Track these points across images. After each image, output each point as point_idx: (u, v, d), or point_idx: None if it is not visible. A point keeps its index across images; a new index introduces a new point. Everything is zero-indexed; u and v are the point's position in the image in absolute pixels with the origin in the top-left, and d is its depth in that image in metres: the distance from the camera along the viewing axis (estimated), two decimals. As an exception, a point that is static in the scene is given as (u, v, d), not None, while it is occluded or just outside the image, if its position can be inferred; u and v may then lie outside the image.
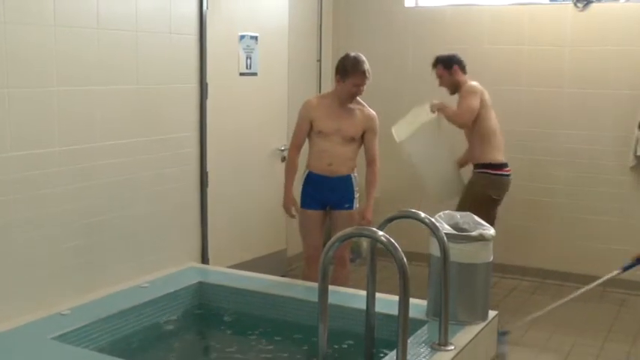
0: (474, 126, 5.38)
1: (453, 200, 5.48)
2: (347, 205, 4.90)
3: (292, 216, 4.98)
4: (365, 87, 4.79)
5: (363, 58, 4.76)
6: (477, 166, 5.47)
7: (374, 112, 4.91)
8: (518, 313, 5.43)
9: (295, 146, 4.97)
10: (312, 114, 4.86)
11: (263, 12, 5.83)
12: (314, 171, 4.91)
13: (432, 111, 5.40)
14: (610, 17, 5.88)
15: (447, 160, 5.56)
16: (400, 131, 5.45)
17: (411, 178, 6.04)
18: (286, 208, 4.95)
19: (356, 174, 4.95)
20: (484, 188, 5.39)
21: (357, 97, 4.86)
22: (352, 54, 4.80)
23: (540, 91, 6.18)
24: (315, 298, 3.10)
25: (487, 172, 5.40)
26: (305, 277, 4.96)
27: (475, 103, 5.31)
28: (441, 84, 5.51)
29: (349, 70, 4.72)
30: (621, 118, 5.87)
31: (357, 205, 4.94)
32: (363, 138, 4.90)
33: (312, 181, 4.92)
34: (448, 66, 5.46)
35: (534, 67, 6.18)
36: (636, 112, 5.76)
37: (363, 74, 4.72)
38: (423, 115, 5.45)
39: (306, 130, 4.91)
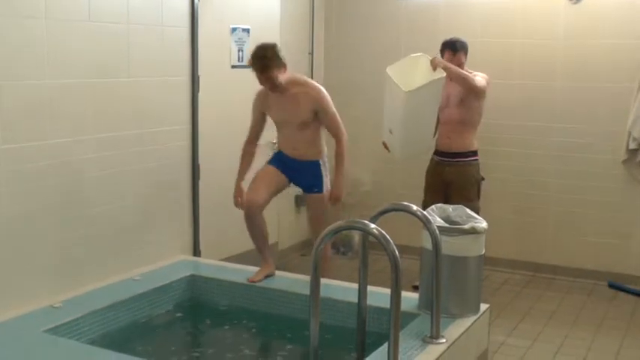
0: (472, 114, 5.50)
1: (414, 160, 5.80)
2: (316, 190, 4.82)
3: (238, 206, 4.83)
4: (275, 77, 4.50)
5: (258, 51, 4.53)
6: (465, 154, 5.56)
7: (318, 88, 4.70)
8: (509, 306, 5.45)
9: (248, 138, 4.90)
10: (263, 104, 4.78)
11: (255, 4, 5.80)
12: (283, 151, 4.87)
13: (434, 67, 5.25)
14: (603, 10, 5.87)
15: (432, 121, 5.47)
16: (393, 72, 5.25)
17: (403, 171, 6.05)
18: (234, 197, 4.83)
19: (325, 159, 4.86)
20: (478, 173, 5.61)
21: (301, 77, 4.79)
22: (258, 46, 4.60)
23: (533, 85, 6.17)
24: (306, 291, 3.10)
25: (476, 159, 5.60)
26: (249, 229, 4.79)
27: (486, 88, 5.49)
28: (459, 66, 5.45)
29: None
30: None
31: (329, 187, 4.83)
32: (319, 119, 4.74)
33: (283, 155, 4.86)
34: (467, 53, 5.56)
35: (527, 60, 6.17)
36: (628, 106, 5.76)
37: (257, 73, 4.54)
38: (422, 66, 5.32)
39: (258, 120, 4.85)
